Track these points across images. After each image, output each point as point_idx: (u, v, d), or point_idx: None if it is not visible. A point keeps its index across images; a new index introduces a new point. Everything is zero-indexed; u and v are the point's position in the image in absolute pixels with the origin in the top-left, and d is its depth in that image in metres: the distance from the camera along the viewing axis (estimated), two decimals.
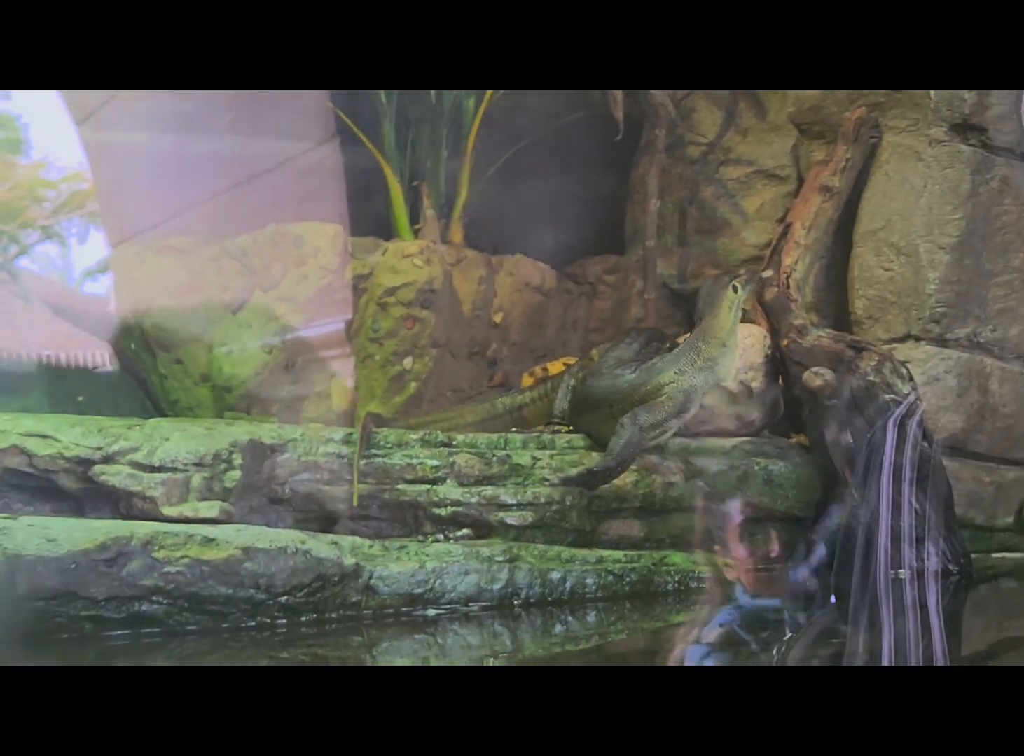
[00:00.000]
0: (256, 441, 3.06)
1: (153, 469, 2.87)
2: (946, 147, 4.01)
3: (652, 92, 4.49)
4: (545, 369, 4.49)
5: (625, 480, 3.33)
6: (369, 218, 4.89)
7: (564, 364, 4.42)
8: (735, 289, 3.71)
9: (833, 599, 3.25)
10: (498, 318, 4.59)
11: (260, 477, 3.07)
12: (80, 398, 4.52)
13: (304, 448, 3.14)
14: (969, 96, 3.99)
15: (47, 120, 5.45)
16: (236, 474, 2.97)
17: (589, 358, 3.92)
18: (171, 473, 2.88)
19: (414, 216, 4.87)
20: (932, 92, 4.00)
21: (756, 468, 3.54)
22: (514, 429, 3.78)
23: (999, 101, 4.03)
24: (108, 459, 2.86)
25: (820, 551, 3.43)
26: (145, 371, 4.53)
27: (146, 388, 4.58)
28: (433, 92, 4.82)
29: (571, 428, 3.77)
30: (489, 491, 3.18)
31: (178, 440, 2.94)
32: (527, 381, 4.55)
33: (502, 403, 4.00)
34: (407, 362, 4.39)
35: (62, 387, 4.47)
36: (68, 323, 4.77)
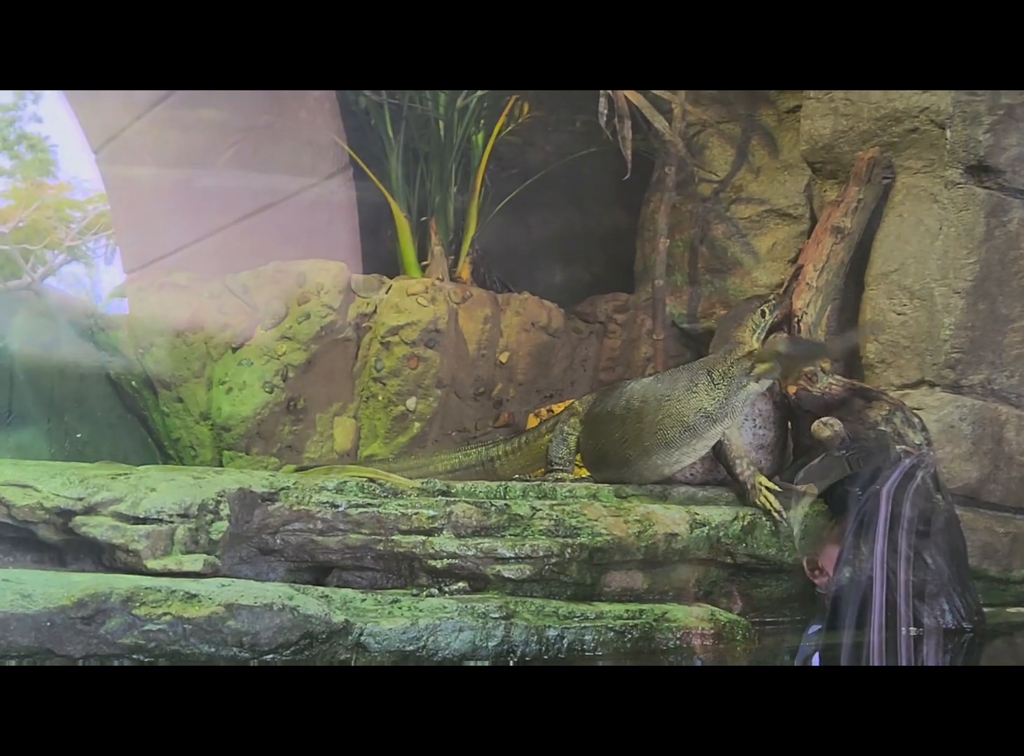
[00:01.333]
0: (246, 490, 2.98)
1: (137, 521, 2.79)
2: (961, 189, 3.92)
3: (662, 129, 4.42)
4: (551, 410, 4.43)
5: (627, 531, 3.24)
6: (377, 254, 4.84)
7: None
8: (763, 314, 3.68)
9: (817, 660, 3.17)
10: (504, 358, 4.51)
11: (250, 527, 2.99)
12: (79, 435, 4.46)
13: (296, 497, 3.05)
14: (985, 137, 3.90)
15: (75, 142, 5.41)
16: (223, 525, 2.89)
17: (574, 409, 3.82)
18: (155, 525, 2.80)
19: (422, 252, 4.82)
20: (948, 133, 3.92)
21: (763, 518, 3.43)
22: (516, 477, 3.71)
23: (1017, 142, 3.95)
24: (90, 510, 2.79)
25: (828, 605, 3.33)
26: (147, 409, 4.49)
27: (148, 426, 4.54)
28: (442, 126, 4.76)
29: (572, 475, 3.69)
30: (486, 543, 3.09)
31: (164, 490, 2.86)
32: (532, 422, 4.48)
33: (475, 453, 3.92)
34: (411, 402, 4.32)
35: (59, 424, 4.41)
36: (92, 344, 4.70)
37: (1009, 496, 3.90)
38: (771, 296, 3.84)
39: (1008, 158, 3.93)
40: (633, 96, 4.39)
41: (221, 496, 2.92)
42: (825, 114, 4.28)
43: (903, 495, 3.29)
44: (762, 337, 3.66)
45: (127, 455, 4.43)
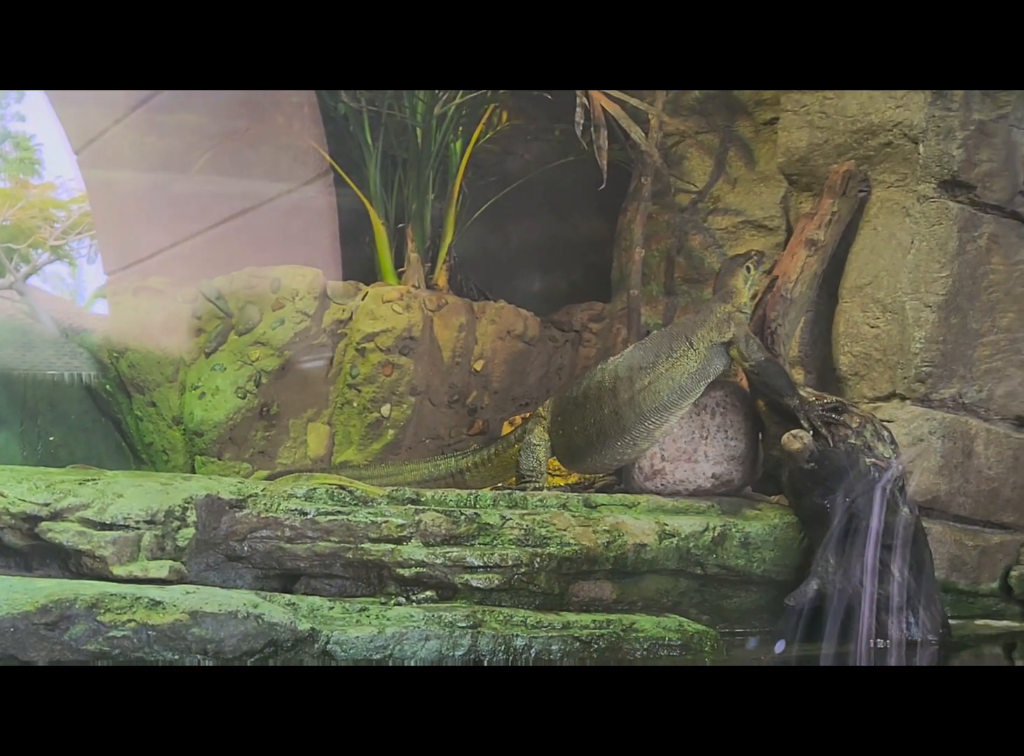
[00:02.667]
0: (213, 497, 2.98)
1: (103, 527, 2.78)
2: (934, 204, 3.94)
3: (639, 140, 4.43)
4: (525, 418, 4.42)
5: (596, 541, 3.24)
6: (355, 259, 4.84)
7: None
8: (748, 269, 3.77)
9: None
10: (479, 365, 4.52)
11: (217, 534, 2.99)
12: (52, 438, 4.45)
13: (265, 504, 3.05)
14: (958, 153, 3.92)
15: (59, 141, 5.41)
16: (190, 532, 2.88)
17: (539, 415, 3.83)
18: (122, 531, 2.79)
19: (399, 259, 4.82)
20: (921, 147, 3.94)
21: (733, 530, 3.44)
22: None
23: (988, 158, 3.97)
24: (56, 516, 2.78)
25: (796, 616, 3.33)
26: (121, 412, 4.48)
27: (121, 430, 4.53)
28: (420, 133, 4.77)
29: (544, 485, 3.70)
30: (455, 552, 3.09)
31: (132, 496, 2.85)
32: (507, 430, 4.48)
33: (445, 465, 3.93)
34: (385, 409, 4.32)
35: (32, 427, 4.40)
36: (75, 343, 4.70)
37: (978, 509, 3.91)
38: (751, 252, 3.90)
39: (979, 173, 3.96)
40: (610, 106, 4.40)
41: (188, 503, 2.92)
42: (801, 127, 4.30)
43: (871, 508, 3.30)
44: (753, 288, 3.78)
45: (101, 459, 4.42)
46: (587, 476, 4.12)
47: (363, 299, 4.36)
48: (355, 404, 4.32)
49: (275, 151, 4.85)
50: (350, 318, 4.33)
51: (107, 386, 4.41)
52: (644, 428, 3.61)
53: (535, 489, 3.63)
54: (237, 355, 4.22)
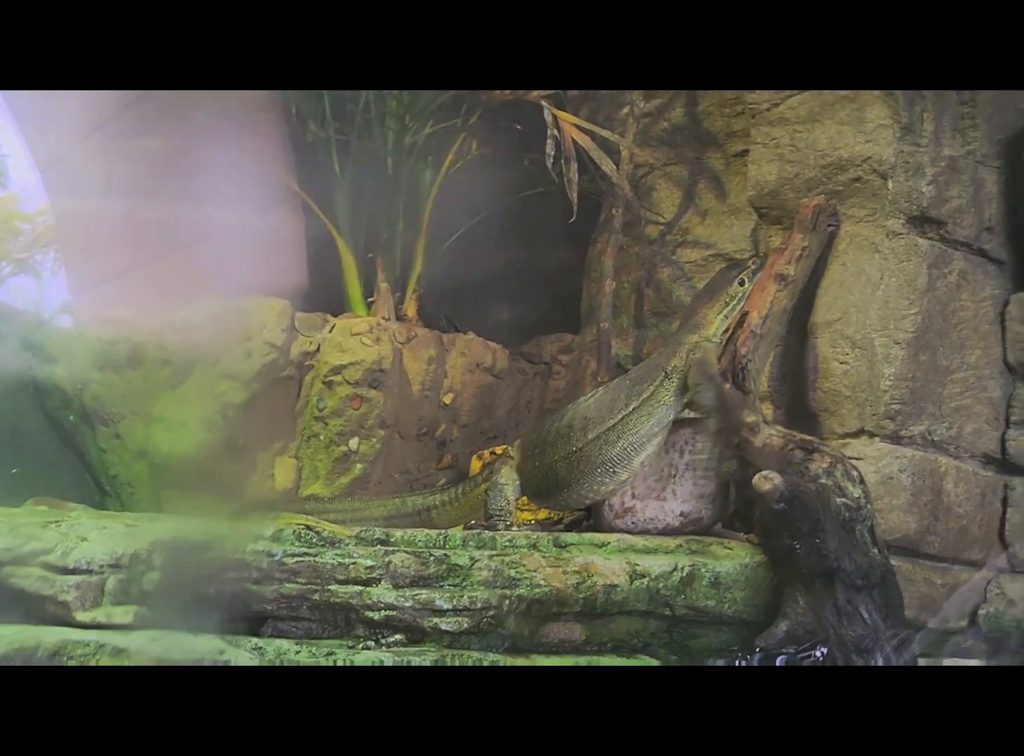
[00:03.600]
0: (180, 539, 2.94)
1: (67, 571, 2.74)
2: (903, 240, 3.96)
3: (609, 172, 4.42)
4: (494, 453, 4.40)
5: (566, 583, 3.22)
6: (323, 289, 4.80)
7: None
8: (742, 282, 3.76)
9: None
10: (448, 399, 4.49)
11: (184, 576, 2.95)
12: (14, 471, 4.38)
13: (232, 545, 3.01)
14: (928, 189, 3.94)
15: (23, 153, 5.33)
16: (155, 575, 2.84)
17: (508, 455, 3.81)
18: (86, 576, 2.75)
19: (368, 289, 4.79)
20: (890, 183, 3.95)
21: (703, 570, 3.42)
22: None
23: (958, 194, 3.99)
24: (18, 560, 2.74)
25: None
26: (85, 444, 4.42)
27: (86, 461, 4.46)
28: (390, 163, 4.74)
29: (515, 524, 3.68)
30: (424, 595, 3.05)
31: (96, 540, 2.81)
32: (475, 464, 4.45)
33: (412, 502, 3.90)
34: (353, 443, 4.28)
35: None
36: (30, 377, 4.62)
37: (947, 547, 3.92)
38: (748, 260, 3.88)
39: (949, 210, 3.98)
40: (580, 138, 4.40)
41: (154, 545, 2.88)
42: (771, 160, 4.31)
43: (841, 549, 3.30)
44: (737, 309, 3.76)
45: (64, 491, 4.35)
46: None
47: (331, 331, 4.32)
48: (322, 437, 4.28)
49: (244, 178, 4.80)
50: (317, 350, 4.29)
51: (70, 417, 4.35)
52: (615, 465, 3.60)
53: (505, 528, 3.60)
54: (204, 388, 4.17)
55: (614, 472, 3.60)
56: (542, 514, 4.13)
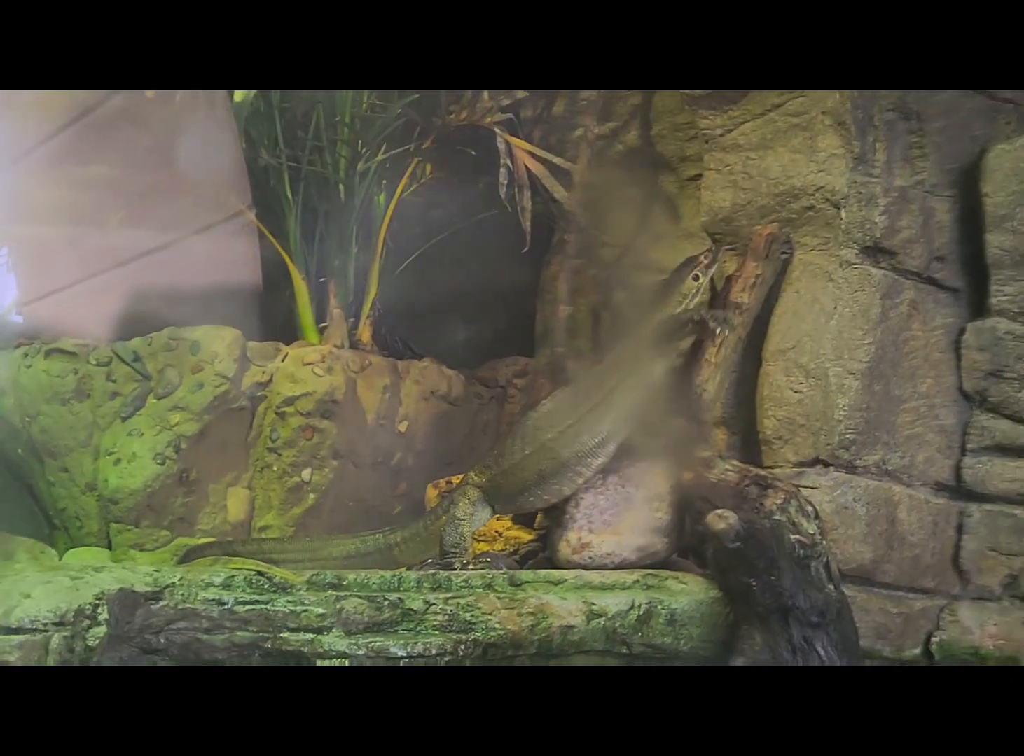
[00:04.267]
0: (127, 591, 2.89)
1: (9, 631, 2.68)
2: (856, 269, 3.96)
3: (562, 200, 4.41)
4: (450, 482, 4.37)
5: (521, 625, 3.20)
6: (276, 314, 4.76)
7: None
8: (696, 278, 3.89)
9: None
10: (403, 427, 4.46)
11: (131, 628, 2.90)
12: None
13: (182, 594, 2.97)
14: (880, 219, 3.94)
15: None
16: (101, 630, 2.80)
17: (465, 493, 3.78)
18: (29, 635, 2.69)
19: (321, 314, 4.74)
20: (843, 213, 3.95)
21: (659, 606, 3.41)
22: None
23: (908, 224, 4.00)
24: None
25: None
26: (33, 477, 4.35)
27: (34, 495, 4.40)
28: (342, 189, 4.70)
29: (471, 561, 3.65)
30: (378, 642, 3.01)
31: (39, 596, 2.75)
32: (431, 492, 4.42)
33: (373, 541, 3.85)
34: (306, 473, 4.24)
35: None
36: None
37: (902, 576, 3.93)
38: (701, 255, 3.98)
39: (901, 240, 3.98)
40: (533, 165, 4.37)
41: (100, 599, 2.83)
42: (725, 186, 4.30)
43: (796, 586, 3.30)
44: (694, 302, 3.88)
45: (14, 525, 4.30)
46: (514, 539, 4.09)
47: (283, 361, 4.27)
48: (275, 468, 4.24)
49: (194, 204, 4.74)
50: (270, 380, 4.24)
51: (18, 450, 4.28)
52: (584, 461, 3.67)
53: (460, 566, 3.58)
54: (155, 420, 4.11)
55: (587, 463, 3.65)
56: (498, 545, 4.11)
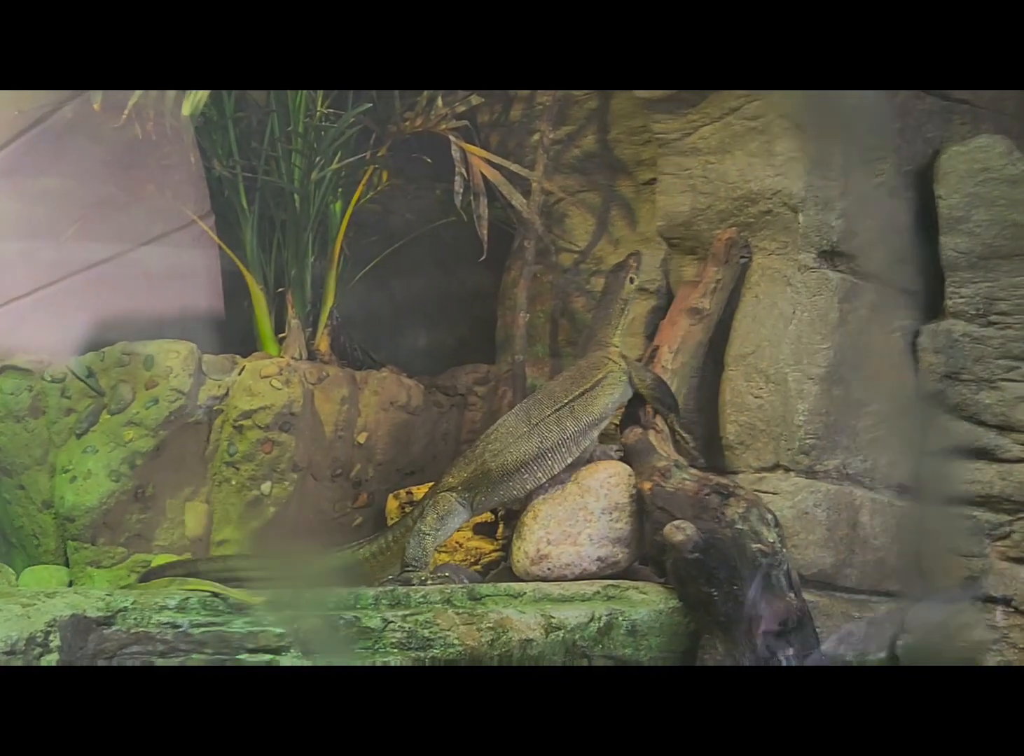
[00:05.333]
0: (79, 616, 2.85)
1: None
2: (815, 273, 3.96)
3: (520, 207, 4.38)
4: (410, 492, 4.34)
5: (480, 641, 3.17)
6: (235, 325, 4.70)
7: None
8: (631, 280, 4.06)
9: None
10: (362, 438, 4.41)
11: (84, 653, 2.86)
12: None
13: (135, 618, 2.93)
14: (838, 223, 3.94)
15: None
16: (53, 657, 2.75)
17: (437, 507, 3.75)
18: None
19: (280, 325, 4.70)
20: (801, 217, 3.95)
21: (619, 618, 3.39)
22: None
23: (868, 227, 3.99)
24: None
25: None
26: None
27: None
28: (297, 198, 4.65)
29: (429, 576, 3.62)
30: (334, 663, 2.99)
31: None
32: (392, 503, 4.39)
33: (341, 556, 3.82)
34: (265, 487, 4.19)
35: None
36: None
37: (864, 580, 3.93)
38: (629, 259, 4.12)
39: (859, 243, 3.98)
40: (490, 173, 4.34)
41: (51, 626, 2.79)
42: (683, 191, 4.30)
43: (757, 595, 3.29)
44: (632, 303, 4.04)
45: None
46: (475, 549, 4.08)
47: (240, 373, 4.22)
48: (233, 482, 4.18)
49: (148, 215, 4.68)
50: (227, 394, 4.18)
51: None
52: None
53: (419, 581, 3.55)
54: (110, 436, 4.05)
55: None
56: (459, 556, 4.09)
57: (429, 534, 3.66)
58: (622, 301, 4.04)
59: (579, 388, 3.86)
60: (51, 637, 2.77)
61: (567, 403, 3.83)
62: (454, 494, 3.77)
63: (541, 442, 3.76)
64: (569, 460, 3.77)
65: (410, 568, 3.61)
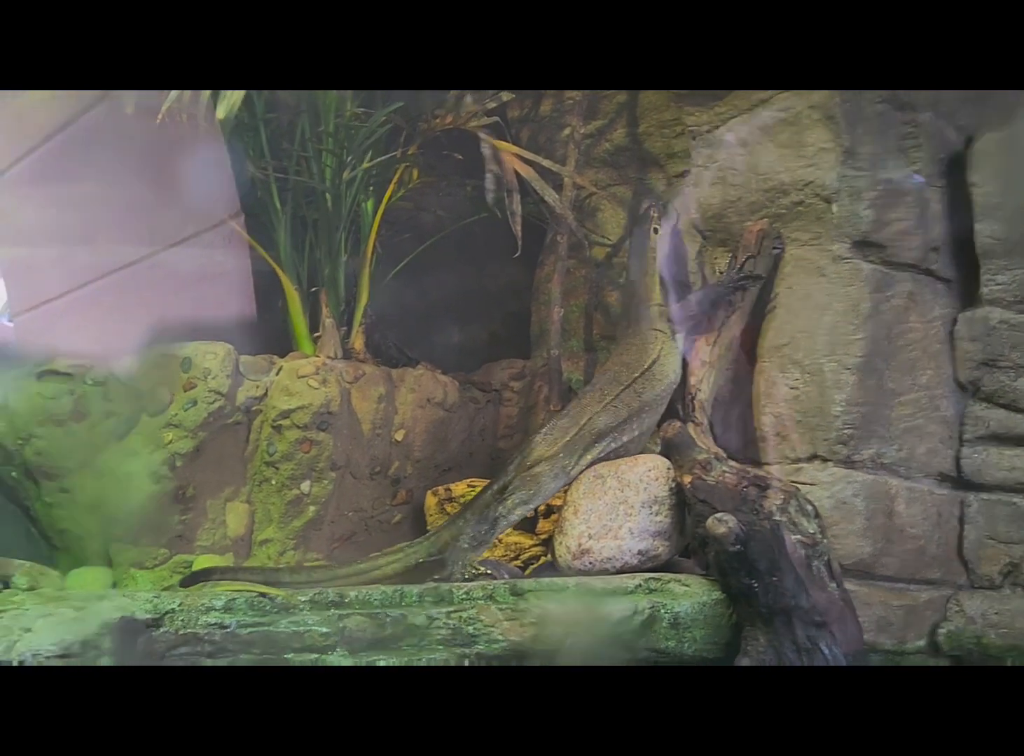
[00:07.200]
0: (129, 618, 2.89)
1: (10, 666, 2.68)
2: (847, 264, 3.95)
3: (552, 203, 4.39)
4: (448, 489, 4.36)
5: (524, 635, 3.20)
6: (270, 325, 4.73)
7: (469, 485, 4.29)
8: (656, 231, 4.17)
9: None
10: (400, 436, 4.44)
11: (134, 656, 2.90)
12: None
13: (183, 619, 2.97)
14: (867, 213, 3.93)
15: None
16: (106, 659, 2.79)
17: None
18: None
19: (314, 324, 4.72)
20: (834, 207, 3.94)
21: (662, 610, 3.40)
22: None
23: (899, 217, 3.98)
24: None
25: None
26: (29, 499, 4.32)
27: (31, 516, 4.37)
28: (329, 198, 4.67)
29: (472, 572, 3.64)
30: (381, 660, 3.02)
31: (41, 629, 2.75)
32: (431, 500, 4.41)
33: (415, 550, 3.83)
34: (305, 485, 4.22)
35: None
36: None
37: (903, 568, 3.93)
38: (649, 209, 4.24)
39: (891, 233, 3.97)
40: (523, 169, 4.36)
41: (103, 630, 2.83)
42: (714, 183, 4.29)
43: (799, 586, 3.29)
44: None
45: (11, 547, 4.27)
46: (515, 544, 4.10)
47: (277, 374, 4.25)
48: (274, 482, 4.22)
49: (181, 217, 4.72)
50: (265, 394, 4.22)
51: (12, 473, 4.26)
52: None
53: (461, 576, 3.57)
54: (150, 438, 4.09)
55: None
56: (499, 551, 4.11)
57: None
58: (652, 251, 4.14)
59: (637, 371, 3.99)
60: (103, 640, 2.81)
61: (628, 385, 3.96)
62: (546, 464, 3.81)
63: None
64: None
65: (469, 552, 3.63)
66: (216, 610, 3.03)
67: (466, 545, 3.67)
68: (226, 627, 2.98)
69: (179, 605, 3.00)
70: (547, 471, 3.78)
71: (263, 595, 3.13)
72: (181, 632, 2.95)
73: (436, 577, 3.66)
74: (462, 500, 4.22)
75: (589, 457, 3.86)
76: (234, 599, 3.09)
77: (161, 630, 2.93)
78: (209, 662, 2.96)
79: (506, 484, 3.78)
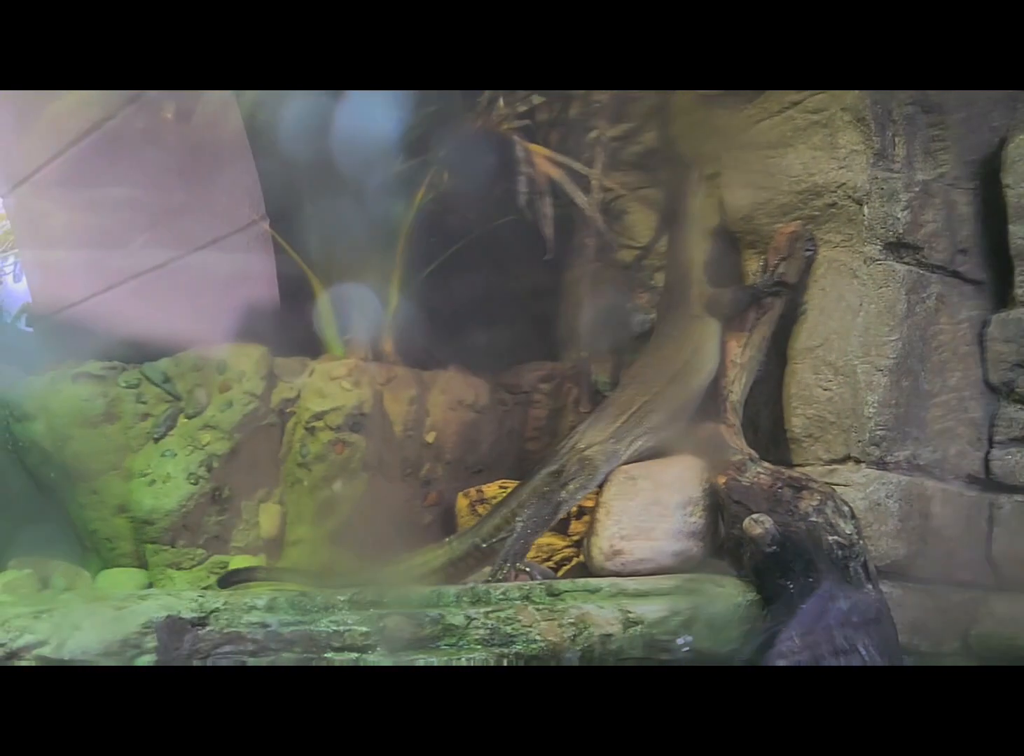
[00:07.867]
0: (174, 617, 2.91)
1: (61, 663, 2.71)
2: (881, 266, 3.96)
3: (582, 205, 4.40)
4: (480, 491, 4.38)
5: (562, 636, 3.21)
6: (300, 328, 4.75)
7: (500, 486, 4.31)
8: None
9: None
10: (431, 437, 4.46)
11: (179, 654, 2.92)
12: None
13: (227, 618, 2.99)
14: (902, 215, 3.94)
15: None
16: (148, 659, 2.81)
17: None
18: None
19: (344, 326, 4.74)
20: (866, 209, 3.95)
21: (698, 611, 3.41)
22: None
23: (932, 219, 3.99)
24: (12, 655, 2.70)
25: None
26: (66, 500, 4.36)
27: (67, 517, 4.41)
28: (360, 199, 4.69)
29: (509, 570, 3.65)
30: (420, 660, 3.04)
31: (88, 628, 2.77)
32: (462, 501, 4.43)
33: (458, 545, 3.84)
34: (337, 486, 4.24)
35: None
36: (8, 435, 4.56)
37: (939, 570, 3.93)
38: None
39: (925, 234, 3.98)
40: (553, 171, 4.38)
41: (148, 628, 2.85)
42: (744, 185, 4.30)
43: (835, 587, 3.30)
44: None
45: (49, 547, 4.31)
46: (547, 546, 4.11)
47: (310, 376, 4.28)
48: (306, 483, 4.25)
49: (213, 220, 4.75)
50: (298, 396, 4.25)
51: (51, 474, 4.29)
52: None
53: (493, 576, 3.59)
54: (187, 440, 4.13)
55: None
56: (531, 553, 4.11)
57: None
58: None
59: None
60: (146, 638, 2.83)
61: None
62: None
63: None
64: None
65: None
66: (258, 609, 3.05)
67: (529, 530, 3.68)
68: (268, 626, 2.99)
69: (223, 604, 3.02)
70: (599, 454, 3.79)
71: (304, 594, 3.15)
72: (225, 631, 2.96)
73: (485, 569, 3.67)
74: (493, 502, 4.23)
75: (639, 444, 3.88)
76: (275, 598, 3.10)
77: (207, 629, 2.95)
78: (253, 661, 2.97)
79: (561, 468, 3.79)
